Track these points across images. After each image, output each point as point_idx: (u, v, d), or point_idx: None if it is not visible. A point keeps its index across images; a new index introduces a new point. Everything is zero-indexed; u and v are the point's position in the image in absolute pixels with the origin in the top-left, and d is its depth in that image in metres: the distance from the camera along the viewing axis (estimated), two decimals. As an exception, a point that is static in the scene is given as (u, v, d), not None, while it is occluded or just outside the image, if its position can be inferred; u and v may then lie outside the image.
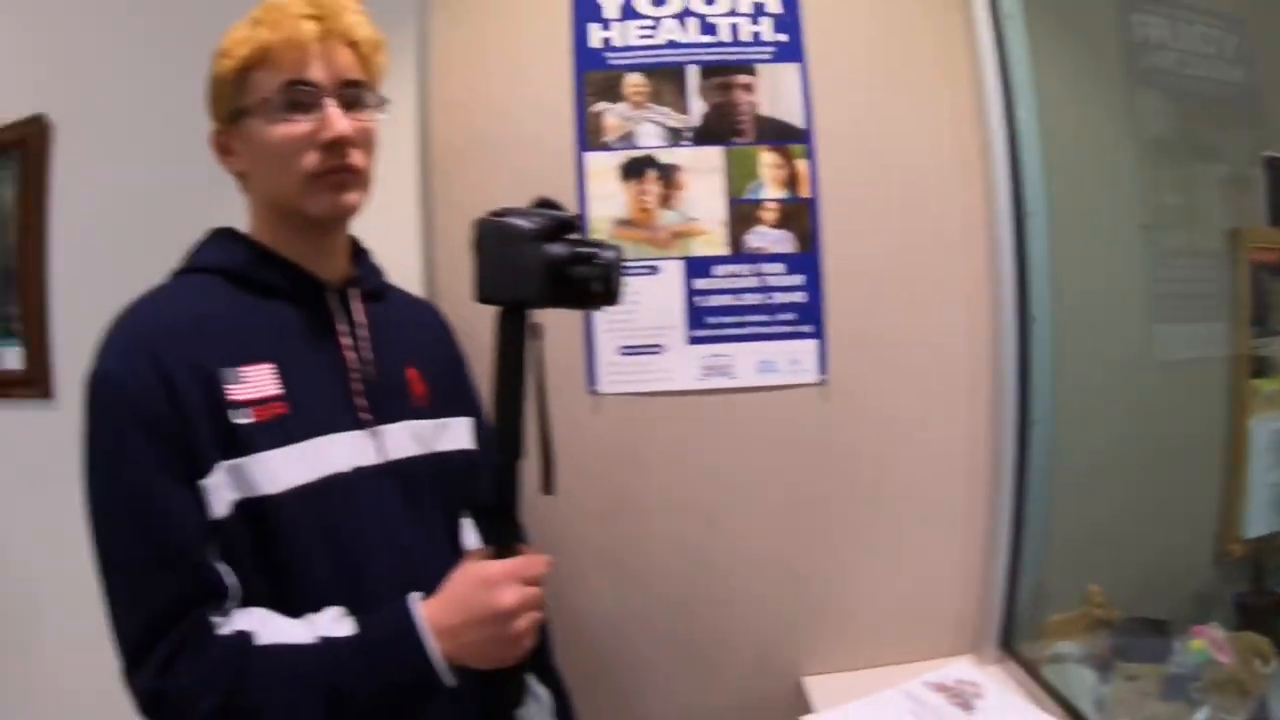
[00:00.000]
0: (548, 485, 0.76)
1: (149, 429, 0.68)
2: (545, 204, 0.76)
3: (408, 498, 0.81)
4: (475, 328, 1.04)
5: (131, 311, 0.76)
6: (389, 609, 0.72)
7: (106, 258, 1.35)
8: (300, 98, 0.74)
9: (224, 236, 0.84)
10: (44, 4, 1.42)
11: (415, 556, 0.80)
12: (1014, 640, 1.13)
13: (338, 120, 0.74)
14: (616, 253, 0.71)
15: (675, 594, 1.14)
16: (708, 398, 1.11)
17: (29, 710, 1.52)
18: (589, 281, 0.70)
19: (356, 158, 0.77)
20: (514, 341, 0.72)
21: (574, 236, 0.72)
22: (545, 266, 0.69)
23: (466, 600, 0.72)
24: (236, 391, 0.71)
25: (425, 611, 0.71)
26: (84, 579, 1.44)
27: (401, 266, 0.96)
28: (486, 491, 0.94)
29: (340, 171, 0.76)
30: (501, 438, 0.74)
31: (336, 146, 0.75)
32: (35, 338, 1.36)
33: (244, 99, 0.76)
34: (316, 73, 0.75)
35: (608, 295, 0.71)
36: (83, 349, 1.45)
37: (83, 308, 1.36)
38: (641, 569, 1.14)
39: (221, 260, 0.80)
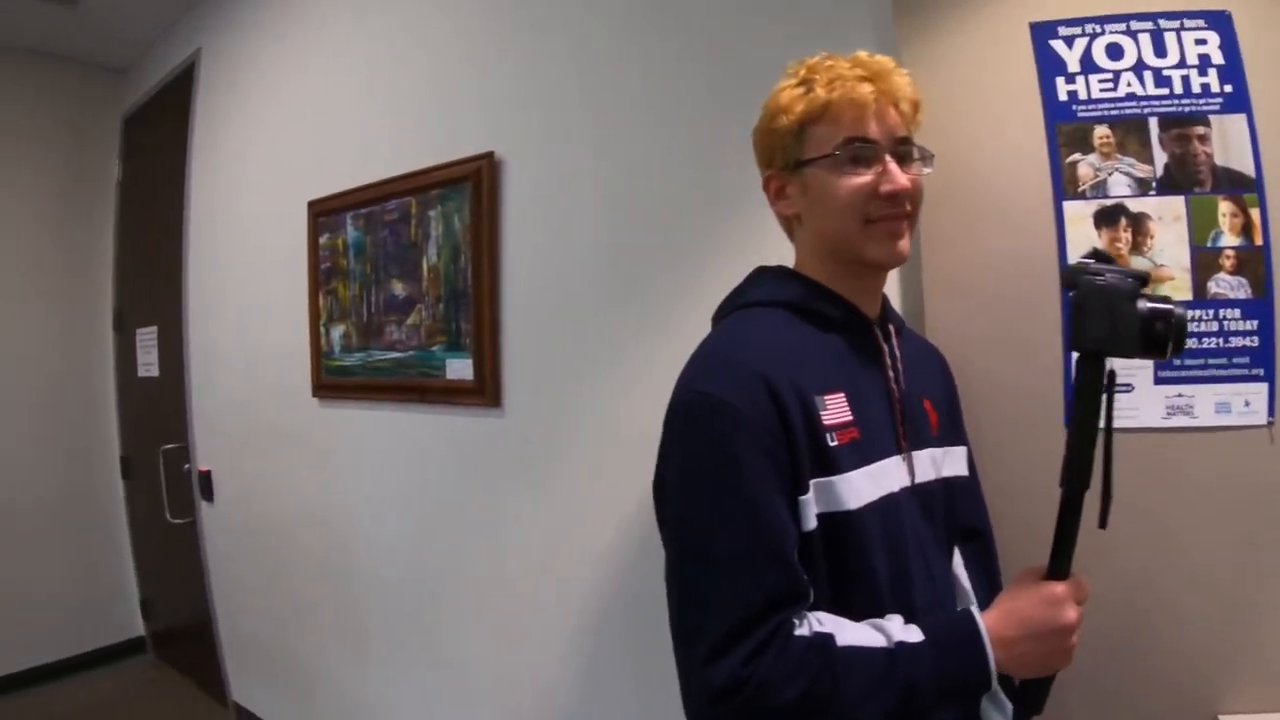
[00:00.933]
0: (1104, 519, 0.81)
1: (763, 447, 0.74)
2: (1099, 255, 0.82)
3: (925, 516, 0.88)
4: (959, 363, 1.14)
5: (728, 341, 0.84)
6: (954, 618, 0.79)
7: (549, 281, 1.49)
8: (862, 153, 0.82)
9: (779, 274, 0.91)
10: (493, 55, 1.57)
11: (934, 569, 0.87)
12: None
13: (899, 175, 0.82)
14: (1184, 310, 0.78)
15: (1108, 620, 1.19)
16: (1166, 435, 1.18)
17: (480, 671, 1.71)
18: (1168, 337, 0.77)
19: (910, 207, 0.84)
20: (1095, 384, 0.79)
21: (1147, 292, 0.78)
22: (1141, 323, 0.77)
23: (1031, 615, 0.77)
24: (826, 417, 0.78)
25: (987, 623, 0.76)
26: (513, 564, 1.61)
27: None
28: (970, 515, 1.05)
29: (899, 219, 0.83)
30: (1073, 468, 0.80)
31: (896, 197, 0.82)
32: (486, 351, 1.50)
33: (804, 151, 0.84)
34: (873, 130, 0.82)
35: (1178, 348, 0.78)
36: (525, 363, 1.62)
37: (525, 326, 1.51)
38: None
39: (784, 295, 0.87)
